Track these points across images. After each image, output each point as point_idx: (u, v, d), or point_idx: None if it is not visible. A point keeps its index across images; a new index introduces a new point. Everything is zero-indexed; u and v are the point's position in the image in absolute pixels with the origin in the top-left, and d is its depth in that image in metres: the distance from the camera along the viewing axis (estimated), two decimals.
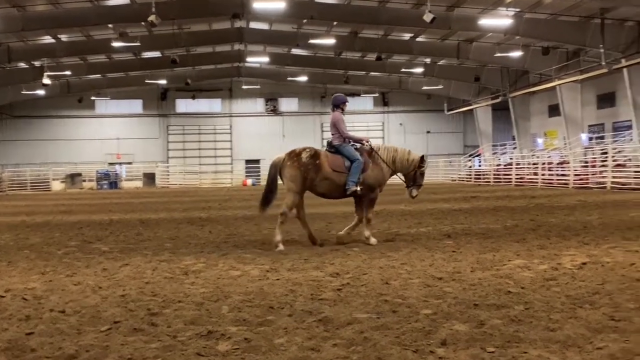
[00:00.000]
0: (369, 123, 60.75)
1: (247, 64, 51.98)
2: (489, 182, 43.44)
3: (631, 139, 35.23)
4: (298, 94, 59.56)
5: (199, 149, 59.50)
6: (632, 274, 7.40)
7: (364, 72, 51.79)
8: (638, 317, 5.44)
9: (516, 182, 39.39)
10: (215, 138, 59.74)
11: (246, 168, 59.09)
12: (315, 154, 10.86)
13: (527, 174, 40.10)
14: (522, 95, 46.79)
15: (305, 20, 36.98)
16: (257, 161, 58.96)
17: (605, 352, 4.51)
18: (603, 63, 32.50)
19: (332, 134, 11.19)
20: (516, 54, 39.71)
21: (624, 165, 32.82)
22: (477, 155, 53.95)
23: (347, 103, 11.43)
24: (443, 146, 59.82)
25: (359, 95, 59.12)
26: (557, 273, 7.63)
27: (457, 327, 5.26)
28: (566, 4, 31.13)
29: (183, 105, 59.22)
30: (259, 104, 59.95)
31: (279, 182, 10.90)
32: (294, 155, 10.85)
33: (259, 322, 5.65)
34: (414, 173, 11.33)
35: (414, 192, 11.46)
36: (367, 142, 11.23)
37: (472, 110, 54.08)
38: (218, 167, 59.25)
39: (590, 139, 41.18)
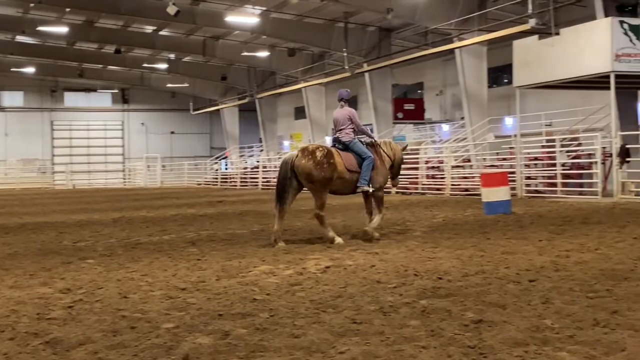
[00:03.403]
0: (107, 122, 58.97)
1: None
2: (236, 185, 44.33)
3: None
4: (24, 87, 55.94)
5: None
6: (373, 275, 7.96)
7: (101, 66, 50.10)
8: (378, 319, 5.85)
9: (263, 185, 40.64)
10: None
11: None
12: (329, 153, 10.89)
13: (274, 178, 41.52)
14: (269, 97, 48.55)
15: (32, 5, 34.78)
16: None
17: (348, 356, 4.79)
18: (346, 67, 34.83)
19: (340, 129, 11.20)
20: (263, 54, 41.16)
21: None
22: (223, 158, 54.78)
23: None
24: (188, 148, 59.79)
25: (95, 90, 57.14)
26: (302, 278, 7.98)
27: (201, 340, 5.27)
28: (312, 6, 32.85)
29: None
30: None
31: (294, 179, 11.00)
32: (308, 153, 10.83)
33: None
34: (401, 163, 11.98)
35: (398, 182, 12.54)
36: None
37: (218, 110, 54.84)
38: None
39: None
